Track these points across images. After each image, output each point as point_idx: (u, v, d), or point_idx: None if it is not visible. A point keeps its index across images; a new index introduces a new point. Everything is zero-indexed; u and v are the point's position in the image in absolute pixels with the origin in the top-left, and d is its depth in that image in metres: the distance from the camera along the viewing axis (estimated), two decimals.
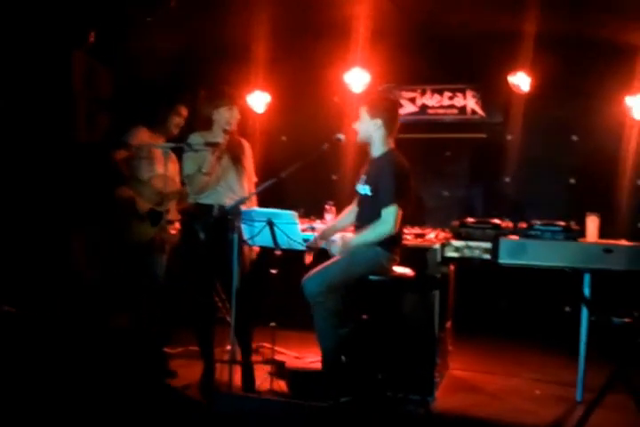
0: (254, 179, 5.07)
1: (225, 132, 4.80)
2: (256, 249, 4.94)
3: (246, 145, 5.05)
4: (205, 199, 4.85)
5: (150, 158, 5.21)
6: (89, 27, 5.51)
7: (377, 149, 4.55)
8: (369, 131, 4.50)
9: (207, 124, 4.86)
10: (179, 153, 5.14)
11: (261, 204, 5.01)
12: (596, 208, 4.86)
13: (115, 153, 5.13)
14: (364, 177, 4.57)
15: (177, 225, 5.32)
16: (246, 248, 4.83)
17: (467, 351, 5.82)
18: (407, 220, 4.56)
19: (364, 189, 4.52)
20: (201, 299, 4.88)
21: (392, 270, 4.48)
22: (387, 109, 4.54)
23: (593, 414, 4.22)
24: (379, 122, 4.48)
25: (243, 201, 4.45)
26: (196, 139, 4.82)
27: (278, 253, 4.62)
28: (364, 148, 4.64)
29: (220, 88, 4.91)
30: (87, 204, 5.51)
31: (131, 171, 5.18)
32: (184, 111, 5.33)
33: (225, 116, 4.80)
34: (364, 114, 4.50)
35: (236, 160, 4.89)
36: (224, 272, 4.48)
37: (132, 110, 5.65)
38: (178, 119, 5.30)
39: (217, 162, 4.77)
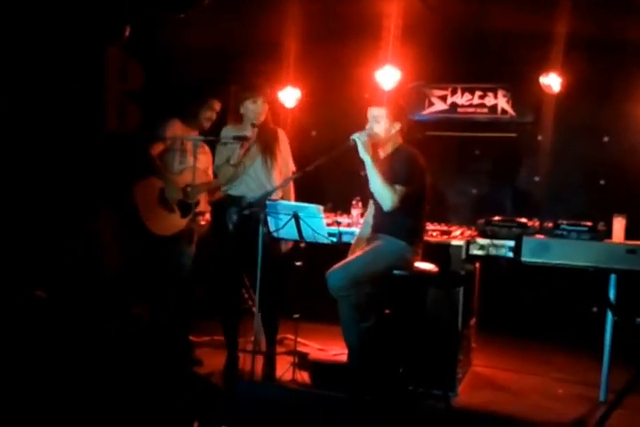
0: (292, 168, 5.14)
1: (252, 125, 4.88)
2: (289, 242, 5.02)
3: (282, 135, 5.12)
4: (233, 190, 4.96)
5: (182, 151, 5.28)
6: (124, 22, 5.59)
7: (389, 148, 4.64)
8: (389, 133, 4.58)
9: (238, 118, 4.96)
10: (212, 145, 5.23)
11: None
12: (626, 210, 4.86)
13: (151, 147, 5.19)
14: None
15: (207, 216, 5.39)
16: (281, 242, 4.92)
17: (490, 349, 5.82)
18: (430, 215, 4.70)
19: None
20: (227, 290, 4.97)
21: (414, 265, 4.53)
22: (404, 114, 4.71)
23: (613, 415, 4.21)
24: (398, 126, 4.59)
25: (269, 194, 4.53)
26: (226, 132, 4.93)
27: (302, 245, 4.67)
28: None
29: (246, 81, 4.99)
30: (114, 193, 5.58)
31: (163, 163, 5.26)
32: (217, 106, 5.37)
33: (250, 109, 4.89)
34: (383, 117, 4.55)
35: (267, 151, 4.96)
36: (251, 264, 4.54)
37: (163, 103, 5.72)
38: (210, 113, 5.35)
39: (245, 154, 4.85)
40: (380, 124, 4.55)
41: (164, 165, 5.24)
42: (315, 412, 3.60)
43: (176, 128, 5.26)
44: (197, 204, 5.19)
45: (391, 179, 4.38)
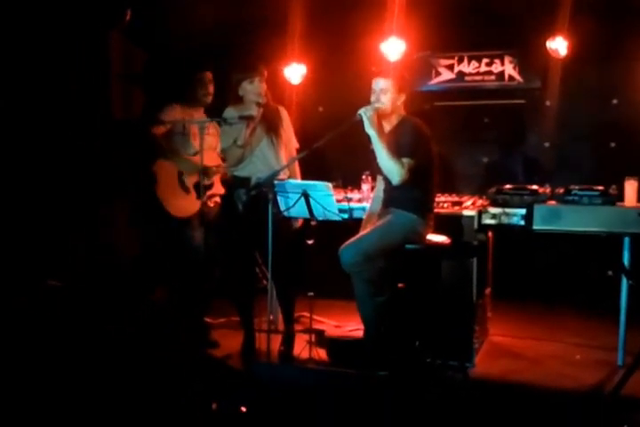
0: (296, 145, 5.13)
1: (257, 104, 4.88)
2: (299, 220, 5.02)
3: (283, 112, 5.09)
4: (241, 171, 4.96)
5: (186, 134, 5.23)
6: (125, 5, 5.56)
7: (394, 120, 4.64)
8: (395, 105, 4.58)
9: (238, 99, 4.94)
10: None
11: (301, 174, 5.13)
12: (638, 172, 4.83)
13: (153, 128, 5.16)
14: None
15: (217, 198, 5.38)
16: (292, 220, 4.93)
17: (507, 317, 5.85)
18: (440, 185, 4.71)
19: None
20: (239, 270, 4.99)
21: (426, 237, 4.54)
22: (408, 85, 4.70)
23: (632, 378, 4.23)
24: (403, 97, 4.60)
25: (276, 173, 4.53)
26: (230, 113, 4.91)
27: (313, 223, 4.67)
28: None
29: (240, 61, 4.97)
30: (126, 178, 5.60)
31: (171, 146, 5.24)
32: (208, 76, 5.27)
33: (248, 90, 4.88)
34: (389, 88, 4.54)
35: (271, 130, 4.95)
36: (264, 243, 4.55)
37: (165, 87, 5.71)
38: (204, 88, 5.25)
39: (251, 134, 4.85)
40: (387, 95, 4.54)
41: (173, 148, 5.23)
42: (333, 390, 3.61)
43: (175, 113, 5.21)
44: (212, 185, 5.19)
45: (397, 152, 4.38)
